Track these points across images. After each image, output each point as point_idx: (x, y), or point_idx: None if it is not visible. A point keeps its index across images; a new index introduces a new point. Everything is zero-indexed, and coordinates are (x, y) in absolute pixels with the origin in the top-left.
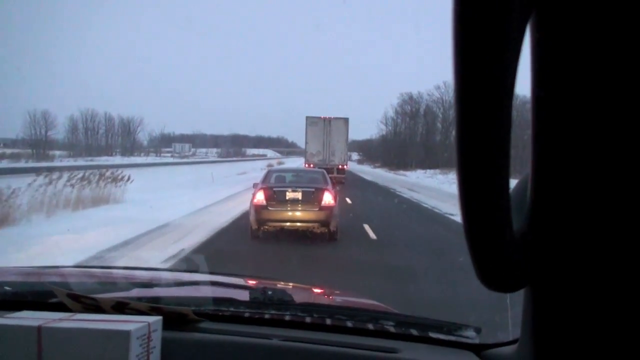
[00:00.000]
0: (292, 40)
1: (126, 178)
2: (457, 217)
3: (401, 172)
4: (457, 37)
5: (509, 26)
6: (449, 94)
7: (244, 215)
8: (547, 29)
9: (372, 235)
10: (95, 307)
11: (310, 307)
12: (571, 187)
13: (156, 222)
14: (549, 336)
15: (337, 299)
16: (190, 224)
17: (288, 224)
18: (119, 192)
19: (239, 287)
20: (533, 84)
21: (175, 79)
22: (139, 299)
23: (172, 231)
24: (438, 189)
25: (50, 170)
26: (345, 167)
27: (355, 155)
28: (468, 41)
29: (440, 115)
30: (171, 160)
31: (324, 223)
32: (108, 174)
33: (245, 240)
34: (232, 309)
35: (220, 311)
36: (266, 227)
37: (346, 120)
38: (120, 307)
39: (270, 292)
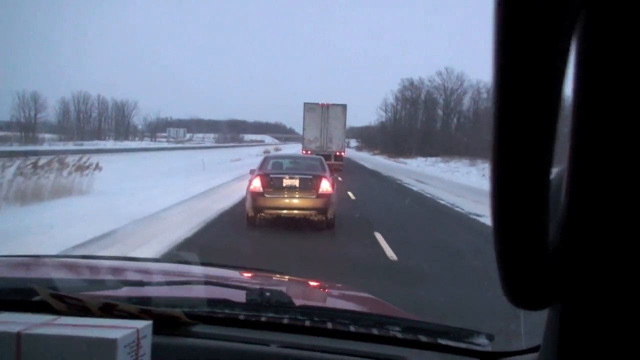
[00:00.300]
0: (291, 25)
1: (94, 166)
2: (486, 220)
3: (401, 159)
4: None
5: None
6: (451, 81)
7: (228, 215)
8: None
9: (390, 252)
10: (81, 308)
11: (310, 310)
12: (619, 187)
13: (113, 221)
14: (578, 350)
15: (335, 294)
16: (152, 228)
17: (285, 211)
18: (86, 182)
19: (234, 287)
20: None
21: (173, 63)
22: (129, 299)
23: (122, 239)
24: (447, 180)
25: (26, 154)
26: (343, 154)
27: (353, 142)
28: (512, 31)
29: (442, 102)
30: (165, 145)
31: (322, 211)
32: (72, 161)
33: (222, 253)
34: (227, 311)
35: (215, 313)
36: (262, 214)
37: (344, 106)
38: (108, 309)
39: (268, 294)
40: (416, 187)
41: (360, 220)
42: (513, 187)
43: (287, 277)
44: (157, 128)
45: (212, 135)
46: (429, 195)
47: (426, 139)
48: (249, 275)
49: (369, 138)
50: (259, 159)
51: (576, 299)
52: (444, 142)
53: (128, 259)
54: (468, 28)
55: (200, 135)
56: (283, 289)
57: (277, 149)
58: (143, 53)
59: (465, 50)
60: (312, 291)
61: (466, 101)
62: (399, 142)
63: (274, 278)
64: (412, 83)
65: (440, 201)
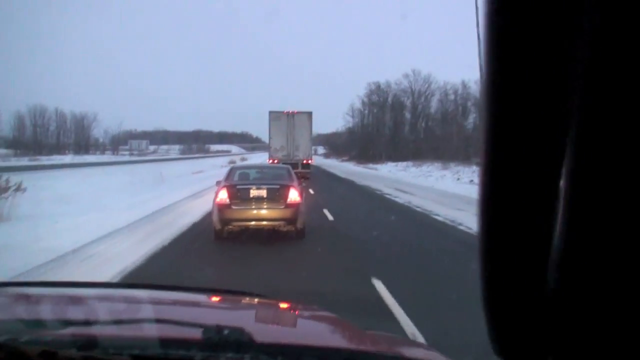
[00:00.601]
0: (255, 35)
1: (15, 187)
2: None
3: (371, 165)
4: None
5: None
6: (419, 83)
7: (179, 243)
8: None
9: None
10: (19, 354)
11: (272, 348)
12: (622, 234)
13: (13, 260)
14: None
15: (300, 320)
16: (61, 274)
17: (253, 223)
18: (7, 206)
19: (189, 325)
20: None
21: (137, 75)
22: (73, 342)
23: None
24: (429, 187)
25: None
26: (310, 161)
27: (320, 149)
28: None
29: (409, 105)
30: (126, 158)
31: (291, 221)
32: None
33: None
34: (181, 352)
35: (168, 356)
36: (230, 227)
37: (309, 114)
38: (49, 357)
39: (226, 332)
40: (400, 198)
41: (350, 261)
42: (509, 223)
43: (256, 299)
44: (121, 141)
45: (177, 147)
46: (419, 210)
47: (394, 143)
48: (209, 298)
49: (336, 145)
50: (224, 170)
51: (579, 354)
52: (412, 146)
53: (74, 285)
54: (434, 30)
55: (166, 147)
56: (244, 320)
57: (243, 159)
58: (105, 66)
59: (431, 53)
60: (276, 318)
61: (434, 104)
62: (368, 147)
63: (237, 300)
64: (379, 86)
65: (437, 217)
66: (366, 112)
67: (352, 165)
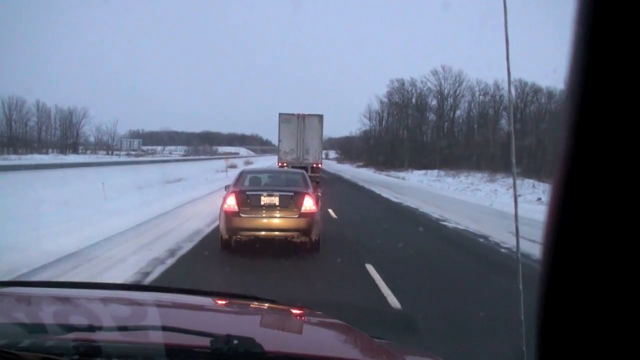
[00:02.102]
0: (269, 35)
1: None
2: None
3: (393, 173)
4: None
5: None
6: (448, 81)
7: None
8: None
9: None
10: None
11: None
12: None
13: None
14: None
15: (310, 327)
16: None
17: (263, 233)
18: None
19: (197, 333)
20: None
21: (146, 75)
22: (75, 347)
23: None
24: (502, 213)
25: None
26: (320, 166)
27: (332, 154)
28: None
29: (435, 106)
30: (114, 159)
31: (305, 232)
32: None
33: None
34: None
35: None
36: (238, 236)
37: (321, 117)
38: None
39: (235, 342)
40: (493, 237)
41: None
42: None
43: (266, 304)
44: (118, 140)
45: (184, 148)
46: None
47: (419, 148)
48: (218, 303)
49: (350, 149)
50: (217, 177)
51: None
52: (441, 152)
53: (77, 286)
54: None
55: (173, 147)
56: (254, 328)
57: (247, 162)
58: (115, 65)
59: (458, 50)
60: (286, 326)
61: (463, 105)
62: (387, 152)
63: (247, 306)
64: (402, 84)
65: None
66: (385, 114)
67: (372, 173)
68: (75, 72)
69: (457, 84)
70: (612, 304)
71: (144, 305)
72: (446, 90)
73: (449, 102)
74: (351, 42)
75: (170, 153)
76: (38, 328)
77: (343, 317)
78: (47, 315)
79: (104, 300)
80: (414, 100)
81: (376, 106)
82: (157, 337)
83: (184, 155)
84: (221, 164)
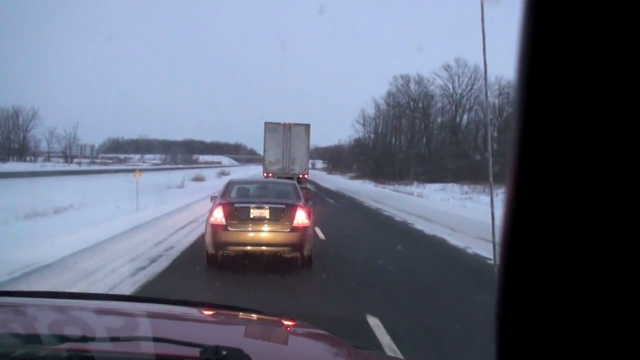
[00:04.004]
0: (254, 41)
1: None
2: None
3: (396, 185)
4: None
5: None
6: (463, 79)
7: None
8: None
9: None
10: None
11: None
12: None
13: None
14: None
15: (296, 339)
16: None
17: (252, 247)
18: None
19: (187, 344)
20: None
21: (127, 82)
22: (69, 358)
23: None
24: None
25: None
26: (306, 176)
27: (319, 163)
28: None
29: (451, 106)
30: (60, 168)
31: (297, 247)
32: None
33: None
34: None
35: None
36: (226, 251)
37: (307, 126)
38: None
39: (224, 352)
40: None
41: None
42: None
43: (254, 315)
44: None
45: (158, 157)
46: None
47: (425, 158)
48: (207, 314)
49: (339, 158)
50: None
51: None
52: (456, 162)
53: (71, 296)
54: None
55: (151, 156)
56: (242, 339)
57: (223, 173)
58: (87, 69)
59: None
60: (274, 337)
61: (476, 108)
62: (385, 162)
63: (234, 317)
64: (407, 82)
65: None
66: (380, 119)
67: (373, 187)
68: (60, 79)
69: (471, 82)
70: (565, 304)
71: (135, 316)
72: (460, 89)
73: (462, 103)
74: (341, 46)
75: (143, 161)
76: (32, 338)
77: (328, 328)
78: (41, 325)
79: (97, 311)
80: (420, 103)
81: (371, 111)
82: (149, 348)
83: (155, 164)
84: (197, 173)
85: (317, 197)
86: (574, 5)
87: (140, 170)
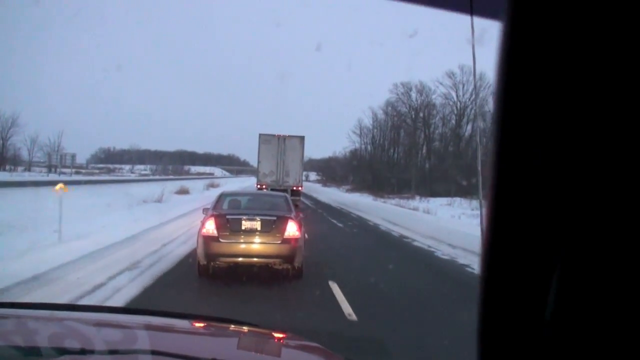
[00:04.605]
0: (249, 52)
1: None
2: None
3: (397, 199)
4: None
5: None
6: (467, 87)
7: None
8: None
9: None
10: None
11: None
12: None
13: None
14: None
15: (288, 352)
16: None
17: (244, 259)
18: None
19: (184, 357)
20: None
21: (123, 93)
22: None
23: None
24: None
25: None
26: (300, 188)
27: (313, 176)
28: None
29: (454, 115)
30: (41, 178)
31: (287, 259)
32: None
33: None
34: None
35: None
36: (217, 263)
37: (302, 138)
38: None
39: None
40: None
41: None
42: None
43: (245, 327)
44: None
45: (152, 167)
46: None
47: (425, 170)
48: (201, 326)
49: (334, 170)
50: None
51: None
52: (460, 175)
53: (69, 308)
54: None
55: (142, 166)
56: (238, 352)
57: (211, 185)
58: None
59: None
60: (268, 350)
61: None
62: (382, 174)
63: (228, 329)
64: (408, 90)
65: None
66: (377, 130)
67: (373, 201)
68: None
69: (476, 90)
70: (542, 312)
71: (133, 329)
72: (464, 98)
73: (466, 113)
74: (337, 56)
75: (132, 172)
76: (31, 351)
77: (321, 341)
78: (41, 337)
79: (95, 324)
80: (421, 113)
81: (368, 121)
82: None
83: (143, 175)
84: (182, 185)
85: (318, 217)
86: (544, 39)
87: (65, 183)
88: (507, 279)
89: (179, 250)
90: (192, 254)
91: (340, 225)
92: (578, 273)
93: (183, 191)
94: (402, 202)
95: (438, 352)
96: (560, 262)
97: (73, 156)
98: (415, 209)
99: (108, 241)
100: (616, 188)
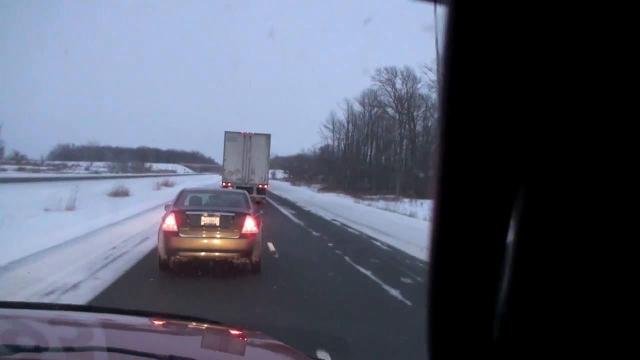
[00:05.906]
0: (213, 46)
1: None
2: None
3: (384, 202)
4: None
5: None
6: None
7: None
8: None
9: None
10: None
11: None
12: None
13: None
14: None
15: (248, 349)
16: None
17: (203, 253)
18: None
19: (141, 354)
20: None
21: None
22: None
23: None
24: None
25: None
26: (266, 186)
27: (280, 173)
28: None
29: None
30: None
31: (245, 253)
32: None
33: None
34: None
35: None
36: (177, 257)
37: (268, 136)
38: None
39: None
40: None
41: None
42: (458, 270)
43: (205, 325)
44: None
45: (109, 164)
46: None
47: (408, 167)
48: (161, 323)
49: (302, 168)
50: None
51: None
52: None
53: (25, 306)
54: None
55: (101, 164)
56: (195, 349)
57: (166, 184)
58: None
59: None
60: (227, 346)
61: None
62: (359, 172)
63: (189, 327)
64: (393, 76)
65: None
66: (350, 124)
67: (354, 203)
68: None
69: None
70: (487, 304)
71: (89, 326)
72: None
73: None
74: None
75: (85, 169)
76: None
77: (280, 337)
78: None
79: (50, 321)
80: (405, 103)
81: (342, 115)
82: (102, 358)
83: (94, 173)
84: (121, 185)
85: (305, 234)
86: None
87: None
88: (454, 274)
89: None
90: None
91: (337, 250)
92: (528, 265)
93: (121, 193)
94: (390, 205)
95: None
96: (510, 254)
97: (1, 149)
98: (413, 215)
99: None
100: (561, 175)
